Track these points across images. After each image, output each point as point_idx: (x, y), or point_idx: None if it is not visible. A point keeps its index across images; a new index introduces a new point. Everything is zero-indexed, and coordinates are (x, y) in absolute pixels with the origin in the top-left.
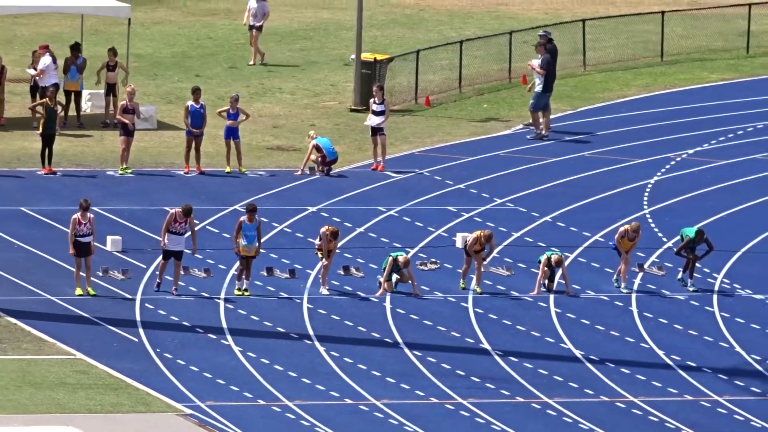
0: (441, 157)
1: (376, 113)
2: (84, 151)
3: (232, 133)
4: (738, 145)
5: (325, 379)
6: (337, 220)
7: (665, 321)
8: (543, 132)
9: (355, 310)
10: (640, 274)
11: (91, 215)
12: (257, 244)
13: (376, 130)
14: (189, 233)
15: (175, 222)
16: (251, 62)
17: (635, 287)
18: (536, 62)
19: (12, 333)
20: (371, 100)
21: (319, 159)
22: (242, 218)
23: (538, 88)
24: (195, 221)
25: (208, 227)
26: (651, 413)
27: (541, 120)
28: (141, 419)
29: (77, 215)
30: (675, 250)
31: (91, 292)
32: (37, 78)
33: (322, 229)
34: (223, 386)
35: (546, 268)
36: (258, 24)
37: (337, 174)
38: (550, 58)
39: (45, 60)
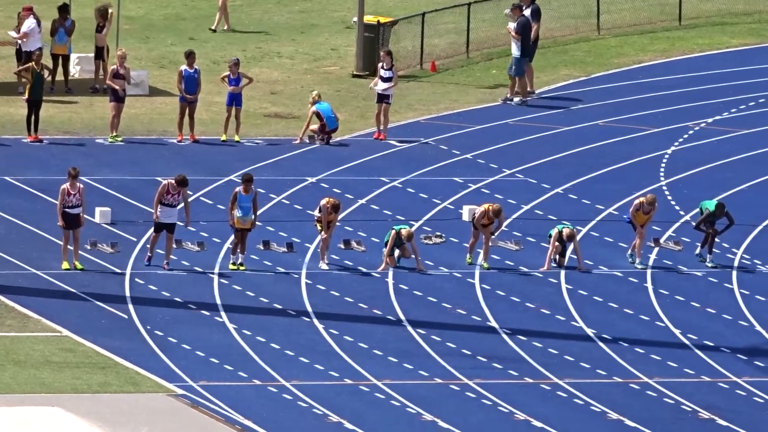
0: (447, 125)
1: (384, 79)
2: (72, 118)
3: (234, 100)
4: (760, 113)
5: (324, 358)
6: (338, 191)
7: (682, 298)
8: (522, 98)
9: (356, 286)
10: (656, 249)
11: (81, 185)
12: (253, 216)
13: (382, 97)
14: (182, 205)
15: (168, 193)
16: (213, 27)
17: (651, 263)
18: (512, 26)
19: None
20: (379, 65)
21: (319, 127)
22: (237, 189)
23: (516, 53)
24: (188, 192)
25: (202, 198)
26: (666, 395)
27: (517, 86)
28: (130, 400)
29: (66, 185)
30: (694, 224)
31: (79, 266)
32: (21, 42)
33: (323, 201)
34: (217, 365)
35: (557, 243)
36: None
37: (338, 143)
38: (526, 21)
39: (29, 23)
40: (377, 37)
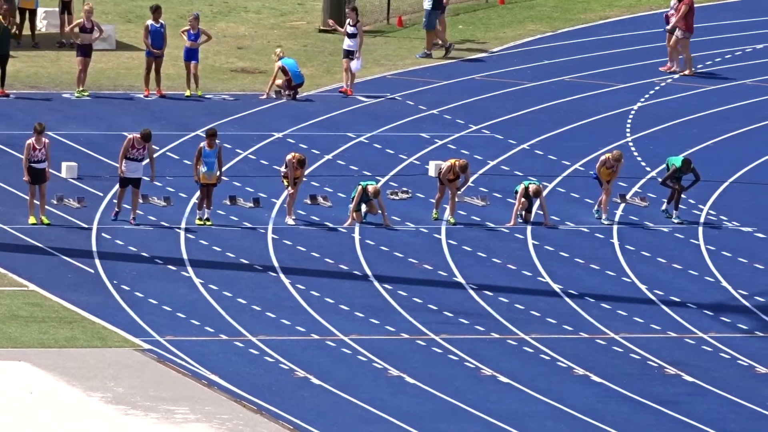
0: (414, 80)
1: (349, 35)
2: (38, 73)
3: (191, 56)
4: (727, 69)
5: (291, 313)
6: (304, 146)
7: (648, 254)
8: (446, 44)
9: (323, 241)
10: (622, 205)
11: (46, 140)
12: (218, 171)
13: (348, 53)
14: (147, 160)
15: (133, 148)
16: None
17: (617, 219)
18: None
19: None
20: (347, 22)
21: (285, 82)
22: (202, 144)
23: (427, 5)
24: (154, 147)
25: (168, 153)
26: (633, 350)
27: (437, 38)
28: (97, 354)
29: (31, 140)
30: (660, 180)
31: (45, 221)
32: None
33: (288, 156)
34: (184, 320)
35: (523, 199)
36: None
37: (305, 98)
38: None
39: None
40: None
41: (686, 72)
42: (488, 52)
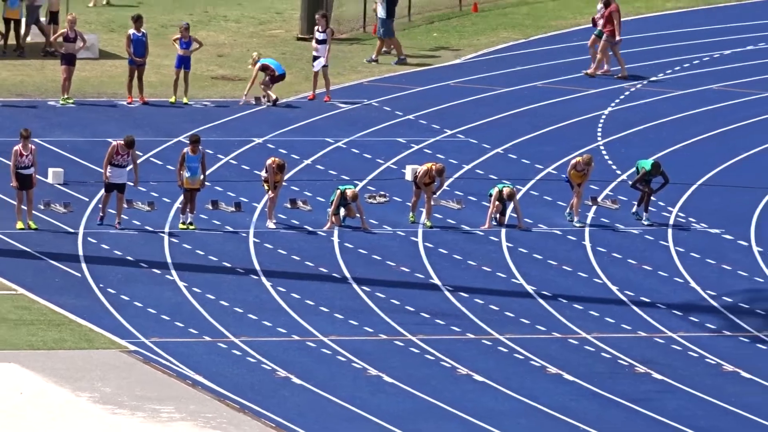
0: (390, 87)
1: (318, 41)
2: (24, 81)
3: (183, 63)
4: (694, 75)
5: (272, 315)
6: (284, 151)
7: (619, 256)
8: (401, 56)
9: (303, 245)
10: (594, 208)
11: (33, 146)
12: (202, 176)
13: (317, 58)
14: (131, 166)
15: (117, 154)
16: (90, 4)
17: (588, 221)
18: None
19: None
20: (315, 28)
21: (268, 78)
22: (185, 150)
23: (381, 13)
24: (137, 153)
25: (151, 159)
26: (604, 350)
27: (392, 47)
28: (84, 356)
29: (18, 146)
30: (630, 182)
31: (33, 225)
32: None
33: (268, 161)
34: (168, 322)
35: (497, 202)
36: None
37: (284, 104)
38: None
39: None
40: (321, 1)
41: (620, 75)
42: (462, 59)
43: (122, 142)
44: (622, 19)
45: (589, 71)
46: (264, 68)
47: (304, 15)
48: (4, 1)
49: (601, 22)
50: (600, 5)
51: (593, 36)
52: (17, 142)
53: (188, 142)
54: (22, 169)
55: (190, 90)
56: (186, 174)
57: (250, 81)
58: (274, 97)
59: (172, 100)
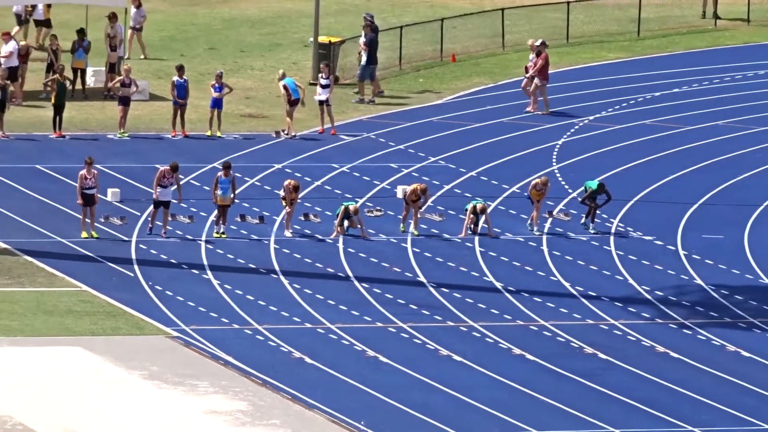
0: (385, 122)
1: (323, 86)
2: (88, 119)
3: (217, 104)
4: (631, 112)
5: (289, 306)
6: (299, 175)
7: (570, 258)
8: (370, 98)
9: (314, 250)
10: (550, 220)
11: (95, 171)
12: (232, 194)
13: (322, 102)
14: (175, 186)
15: (164, 177)
16: (126, 56)
17: (545, 230)
18: (362, 40)
19: (29, 269)
20: (319, 75)
21: (286, 99)
22: (219, 173)
23: (364, 60)
24: (180, 176)
25: (191, 181)
26: (559, 335)
27: (366, 89)
28: (136, 341)
29: (83, 171)
30: (579, 199)
31: (95, 235)
32: (3, 59)
33: (286, 183)
34: (204, 313)
35: (472, 215)
36: (137, 26)
37: (299, 137)
38: (373, 36)
39: (11, 45)
40: (329, 53)
41: (544, 112)
42: (442, 100)
43: (168, 168)
44: (576, 67)
45: (529, 109)
46: (285, 88)
47: (315, 64)
48: (72, 54)
49: (531, 69)
50: (532, 55)
51: (525, 80)
52: (82, 168)
53: (221, 167)
54: (86, 189)
55: (222, 125)
56: (219, 193)
57: (281, 96)
58: (293, 133)
59: (208, 133)
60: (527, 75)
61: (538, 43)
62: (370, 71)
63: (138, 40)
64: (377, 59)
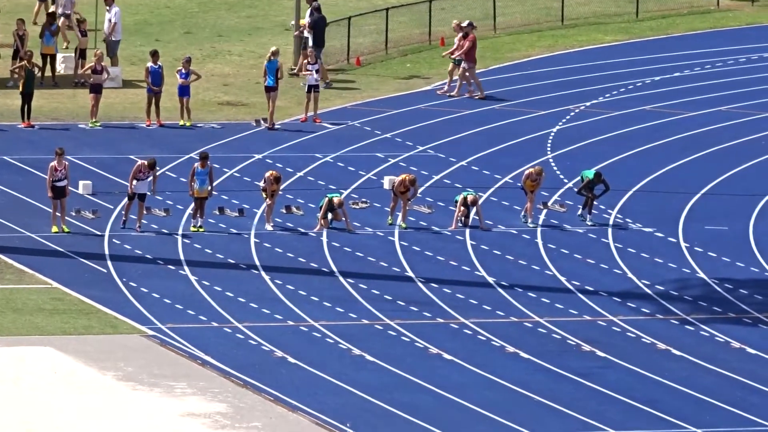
0: (370, 110)
1: (310, 72)
2: (58, 107)
3: (183, 91)
4: (628, 98)
5: (270, 303)
6: (280, 165)
7: (566, 251)
8: (327, 81)
9: (296, 244)
10: (545, 211)
11: (66, 162)
12: (209, 186)
13: (312, 87)
14: (151, 178)
15: (140, 172)
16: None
17: (540, 222)
18: (307, 20)
19: None
20: (305, 61)
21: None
22: (196, 164)
23: (310, 43)
24: (156, 167)
25: (167, 173)
26: (554, 331)
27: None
28: (109, 340)
29: (54, 162)
30: (576, 189)
31: (66, 229)
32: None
33: (266, 174)
34: (181, 310)
35: (462, 207)
36: (66, 12)
37: (280, 126)
38: (319, 18)
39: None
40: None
41: (479, 95)
42: (431, 86)
43: (145, 163)
44: (571, 51)
45: (441, 91)
46: (265, 72)
47: (297, 50)
48: (41, 39)
49: (457, 52)
50: (458, 37)
51: (452, 65)
52: (53, 159)
53: (198, 158)
54: (57, 181)
55: (198, 114)
56: (195, 185)
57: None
58: (272, 123)
59: (181, 123)
60: (452, 57)
61: (464, 24)
62: (317, 53)
63: (66, 27)
64: (324, 42)
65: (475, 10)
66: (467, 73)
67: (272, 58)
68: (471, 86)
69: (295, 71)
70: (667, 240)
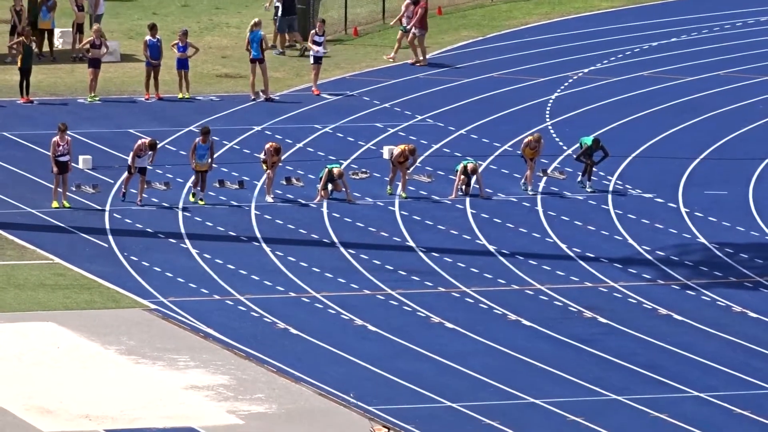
0: (368, 80)
1: (317, 44)
2: (57, 82)
3: (182, 64)
4: (627, 64)
5: (272, 275)
6: (279, 137)
7: (567, 218)
8: (282, 51)
9: (297, 215)
10: (544, 179)
11: (69, 137)
12: (210, 159)
13: (318, 59)
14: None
15: (141, 150)
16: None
17: (540, 190)
18: None
19: None
20: (312, 32)
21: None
22: (197, 139)
23: (280, 12)
24: (156, 141)
25: (166, 146)
26: (556, 298)
27: (287, 39)
28: (112, 314)
29: (56, 138)
30: (575, 156)
31: (66, 204)
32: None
33: (266, 145)
34: (183, 284)
35: (462, 176)
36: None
37: (279, 97)
38: None
39: None
40: (309, 9)
41: (422, 62)
42: (429, 54)
43: (146, 143)
44: (568, 17)
45: (388, 56)
46: (249, 42)
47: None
48: (38, 14)
49: (405, 20)
50: (405, 4)
51: (401, 32)
52: (53, 135)
53: (199, 133)
54: (60, 156)
55: (197, 87)
56: (196, 159)
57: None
58: (268, 95)
59: (180, 95)
60: (407, 28)
61: None
62: (288, 22)
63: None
64: (296, 10)
65: None
66: (416, 41)
67: (255, 29)
68: (421, 53)
69: (271, 45)
70: (667, 205)
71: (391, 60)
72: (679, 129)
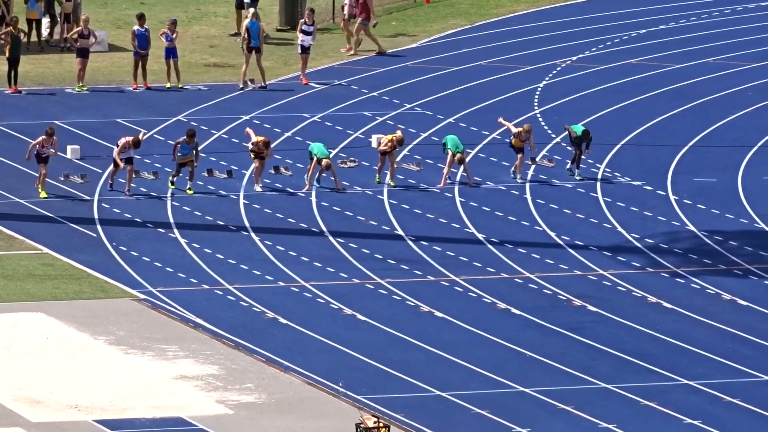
0: (356, 68)
1: (306, 33)
2: (45, 72)
3: (170, 53)
4: (615, 51)
5: (261, 264)
6: (268, 126)
7: (555, 206)
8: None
9: (285, 204)
10: (533, 167)
11: (55, 139)
12: (193, 159)
13: (306, 49)
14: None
15: (125, 149)
16: None
17: (528, 178)
18: None
19: None
20: (301, 21)
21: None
22: (181, 139)
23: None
24: (144, 131)
25: (155, 136)
26: (545, 287)
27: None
28: (101, 304)
29: (41, 138)
30: (569, 141)
31: (43, 195)
32: None
33: (255, 139)
34: (172, 273)
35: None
36: None
37: (268, 87)
38: None
39: None
40: None
41: (354, 51)
42: (417, 43)
43: (130, 141)
44: (555, 5)
45: (345, 50)
46: (248, 31)
47: (282, 9)
48: (25, 4)
49: (346, 9)
50: None
51: (343, 20)
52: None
53: (185, 135)
54: (42, 154)
55: (185, 76)
56: (179, 154)
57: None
58: (264, 84)
59: (168, 85)
60: (358, 18)
61: None
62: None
63: None
64: None
65: None
66: (363, 30)
67: (253, 18)
68: (355, 42)
69: (234, 33)
70: (656, 193)
71: (352, 53)
72: (667, 116)
